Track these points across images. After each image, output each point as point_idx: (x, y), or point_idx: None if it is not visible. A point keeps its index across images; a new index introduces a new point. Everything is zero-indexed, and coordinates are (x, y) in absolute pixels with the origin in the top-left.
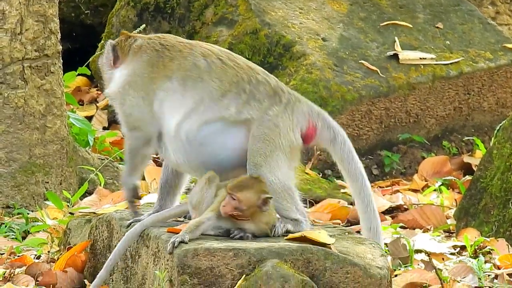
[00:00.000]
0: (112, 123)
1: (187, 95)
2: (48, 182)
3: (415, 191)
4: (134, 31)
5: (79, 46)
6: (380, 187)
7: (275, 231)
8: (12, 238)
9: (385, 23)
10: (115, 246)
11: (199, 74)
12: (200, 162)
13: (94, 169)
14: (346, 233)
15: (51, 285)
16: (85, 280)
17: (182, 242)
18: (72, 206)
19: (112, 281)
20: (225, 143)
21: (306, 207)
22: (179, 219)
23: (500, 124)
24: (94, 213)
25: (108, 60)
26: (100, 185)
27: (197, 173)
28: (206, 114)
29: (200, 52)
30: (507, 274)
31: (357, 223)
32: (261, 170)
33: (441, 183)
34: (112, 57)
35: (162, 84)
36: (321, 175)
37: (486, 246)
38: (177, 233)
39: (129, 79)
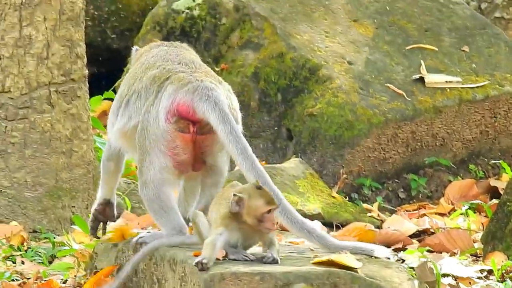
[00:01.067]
0: None
1: (113, 108)
2: (74, 206)
3: (441, 214)
4: None
5: (105, 70)
6: (407, 210)
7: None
8: (39, 263)
9: (411, 46)
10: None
11: (121, 83)
12: None
13: (121, 193)
14: (373, 257)
15: None
16: None
17: (204, 267)
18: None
19: None
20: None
21: (331, 230)
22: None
23: None
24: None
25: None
26: (127, 209)
27: None
28: (116, 126)
29: (142, 60)
30: None
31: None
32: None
33: (467, 206)
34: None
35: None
36: (347, 199)
37: None
38: None
39: None
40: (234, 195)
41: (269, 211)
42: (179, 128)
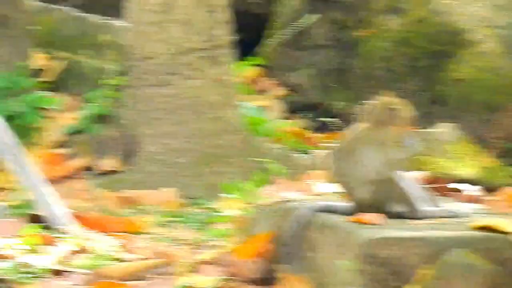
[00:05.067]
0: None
1: None
2: (225, 173)
3: None
4: (301, 21)
5: (248, 36)
6: None
7: None
8: (193, 229)
9: None
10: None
11: None
12: None
13: (272, 159)
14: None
15: (235, 275)
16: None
17: None
18: (252, 197)
19: (293, 270)
20: None
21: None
22: None
23: None
24: (277, 202)
25: None
26: (278, 175)
27: None
28: None
29: None
30: None
31: None
32: None
33: None
34: None
35: None
36: (502, 163)
37: None
38: (363, 223)
39: None
40: (391, 108)
41: None
42: None
